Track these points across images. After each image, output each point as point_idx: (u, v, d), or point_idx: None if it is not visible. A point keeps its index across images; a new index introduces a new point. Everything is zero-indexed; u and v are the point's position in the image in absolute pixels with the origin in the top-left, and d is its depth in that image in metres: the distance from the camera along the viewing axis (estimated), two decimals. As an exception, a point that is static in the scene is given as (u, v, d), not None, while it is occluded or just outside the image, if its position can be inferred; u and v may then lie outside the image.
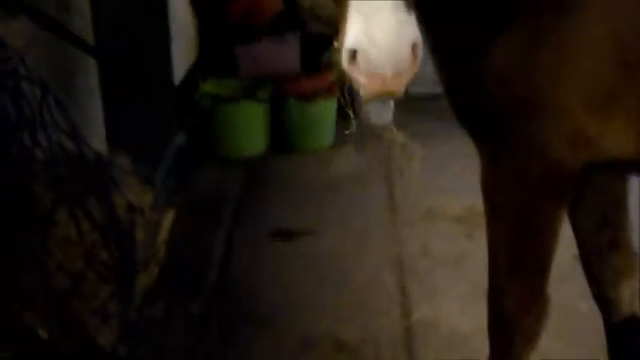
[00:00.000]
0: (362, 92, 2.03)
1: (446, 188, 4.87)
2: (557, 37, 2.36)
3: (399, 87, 1.98)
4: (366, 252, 4.45)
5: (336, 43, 2.14)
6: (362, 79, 1.96)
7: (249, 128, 5.76)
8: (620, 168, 2.68)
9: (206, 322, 3.80)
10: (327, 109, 5.96)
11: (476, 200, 2.66)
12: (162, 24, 4.71)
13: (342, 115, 5.99)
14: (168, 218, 2.89)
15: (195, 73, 5.72)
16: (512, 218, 2.57)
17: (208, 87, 5.80)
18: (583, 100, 2.38)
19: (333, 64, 2.32)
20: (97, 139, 3.18)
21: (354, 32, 1.92)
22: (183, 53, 5.26)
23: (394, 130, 5.93)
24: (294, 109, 5.89)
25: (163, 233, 2.64)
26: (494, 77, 2.40)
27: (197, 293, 3.97)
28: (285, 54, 6.15)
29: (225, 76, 5.99)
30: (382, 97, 2.05)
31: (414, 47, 1.93)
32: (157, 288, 2.53)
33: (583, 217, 2.94)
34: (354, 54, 1.92)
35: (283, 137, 5.94)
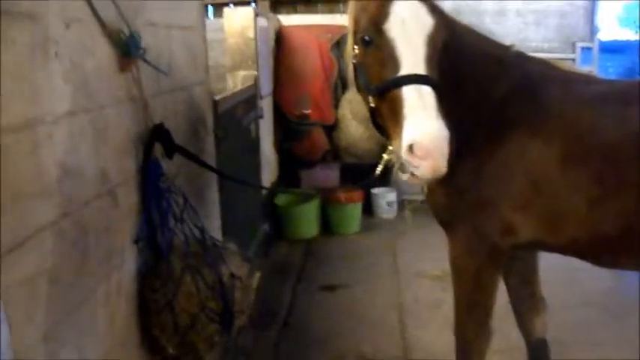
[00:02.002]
0: (419, 173, 1.94)
1: (429, 258, 4.79)
2: (490, 167, 2.39)
3: (443, 167, 1.95)
4: (378, 298, 4.42)
5: (390, 147, 2.14)
6: (419, 163, 1.91)
7: (307, 221, 5.73)
8: (533, 247, 2.65)
9: (278, 344, 3.78)
10: (355, 210, 5.92)
11: (448, 266, 2.64)
12: (256, 158, 4.78)
13: (364, 213, 6.07)
14: (257, 277, 2.86)
15: (275, 187, 5.77)
16: (467, 278, 2.56)
17: (281, 196, 5.87)
18: (510, 205, 2.38)
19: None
20: (215, 230, 3.20)
21: (411, 133, 1.90)
22: (268, 175, 5.33)
23: (398, 222, 6.00)
24: (335, 209, 5.88)
25: (253, 288, 2.61)
26: (456, 189, 2.41)
27: (273, 325, 3.96)
28: (330, 176, 6.17)
29: (293, 188, 6.04)
30: (433, 176, 1.97)
31: (447, 140, 1.93)
32: (248, 324, 2.49)
33: (511, 277, 2.93)
34: (411, 147, 1.90)
35: (328, 226, 5.88)
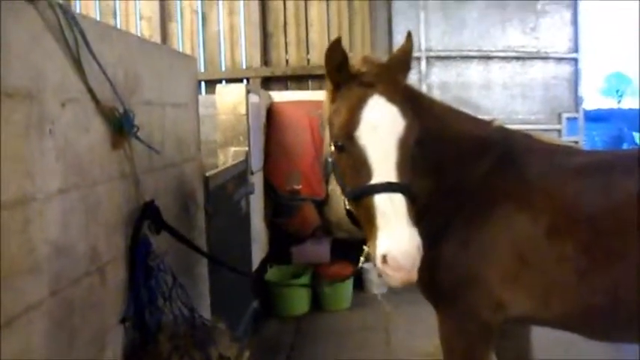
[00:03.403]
0: (391, 282, 1.99)
1: (421, 334, 4.70)
2: (477, 243, 2.40)
3: (414, 277, 1.98)
4: (372, 378, 4.30)
5: (366, 248, 2.14)
6: (391, 273, 1.95)
7: (298, 297, 5.68)
8: (524, 321, 2.64)
9: None
10: (345, 285, 5.86)
11: None
12: (246, 234, 4.74)
13: (355, 288, 6.00)
14: (246, 357, 2.80)
15: (265, 263, 5.72)
16: (458, 356, 2.53)
17: (273, 272, 5.82)
18: (498, 280, 2.38)
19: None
20: (205, 307, 3.14)
21: (384, 244, 1.94)
22: (258, 251, 5.28)
23: (388, 298, 5.91)
24: (325, 285, 5.81)
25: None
26: (443, 266, 2.42)
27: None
28: (321, 251, 6.10)
29: (284, 264, 5.99)
30: (404, 284, 1.99)
31: (419, 249, 1.96)
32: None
33: (504, 353, 2.86)
34: (384, 257, 1.93)
35: (319, 303, 5.82)
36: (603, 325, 2.38)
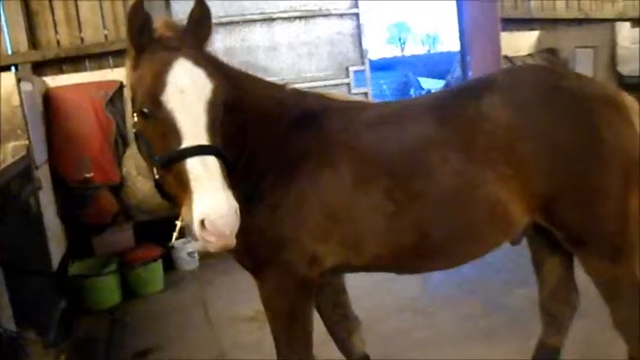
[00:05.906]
0: (210, 248, 1.96)
1: (239, 301, 4.84)
2: (285, 204, 2.47)
3: (233, 241, 1.97)
4: (197, 352, 4.31)
5: (178, 222, 2.10)
6: (211, 239, 1.92)
7: (107, 288, 5.44)
8: (340, 270, 2.77)
9: None
10: (155, 267, 5.72)
11: (259, 305, 2.66)
12: (40, 233, 4.44)
13: (165, 268, 5.90)
14: (62, 360, 2.66)
15: (67, 259, 5.38)
16: (282, 315, 2.59)
17: (77, 267, 5.50)
18: (310, 236, 2.47)
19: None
20: (6, 320, 2.88)
21: (201, 208, 1.90)
22: (57, 248, 4.95)
23: (202, 271, 5.92)
24: (134, 271, 5.62)
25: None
26: (256, 231, 2.44)
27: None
28: (124, 237, 5.95)
29: (86, 257, 5.71)
30: (222, 249, 1.98)
31: (236, 212, 1.96)
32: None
33: (323, 304, 3.05)
34: (202, 222, 1.90)
35: (130, 289, 5.63)
36: (412, 261, 2.61)
